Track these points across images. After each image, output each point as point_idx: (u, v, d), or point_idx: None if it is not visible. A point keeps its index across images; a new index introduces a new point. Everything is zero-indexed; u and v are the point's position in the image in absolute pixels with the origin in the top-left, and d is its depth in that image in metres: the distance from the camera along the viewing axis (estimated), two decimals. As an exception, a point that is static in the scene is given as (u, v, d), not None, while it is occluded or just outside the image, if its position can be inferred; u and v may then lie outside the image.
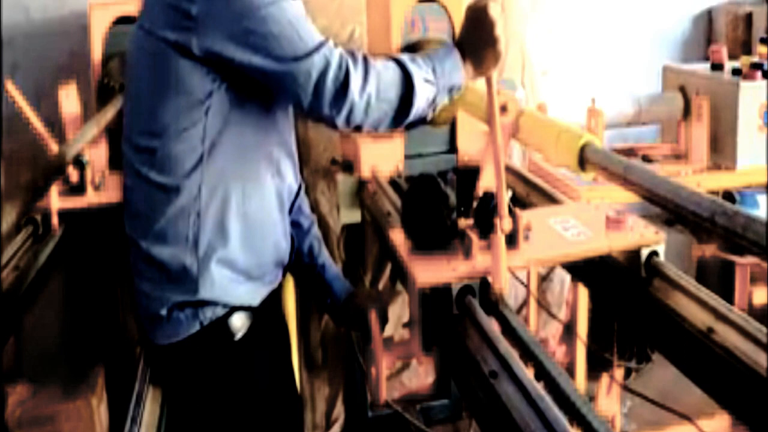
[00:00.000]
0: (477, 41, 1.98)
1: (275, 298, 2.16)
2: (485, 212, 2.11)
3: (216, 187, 1.95)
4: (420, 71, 1.91)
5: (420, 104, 1.92)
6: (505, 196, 2.07)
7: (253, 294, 2.06)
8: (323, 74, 1.82)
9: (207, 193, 1.95)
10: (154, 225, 1.96)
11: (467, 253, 2.11)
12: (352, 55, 1.86)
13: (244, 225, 2.00)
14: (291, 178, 2.16)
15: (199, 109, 1.91)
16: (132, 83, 2.05)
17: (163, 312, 1.98)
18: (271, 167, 2.06)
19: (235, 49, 1.84)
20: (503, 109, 2.73)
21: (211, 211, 1.96)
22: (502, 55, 2.00)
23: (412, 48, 3.23)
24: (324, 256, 2.38)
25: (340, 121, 1.86)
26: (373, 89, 1.85)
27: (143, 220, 1.99)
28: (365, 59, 1.86)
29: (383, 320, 2.28)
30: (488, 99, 2.03)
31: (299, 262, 2.32)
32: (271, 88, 1.93)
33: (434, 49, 2.00)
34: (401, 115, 1.91)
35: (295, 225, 2.29)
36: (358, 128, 1.91)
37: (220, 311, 2.00)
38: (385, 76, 1.87)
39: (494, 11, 1.96)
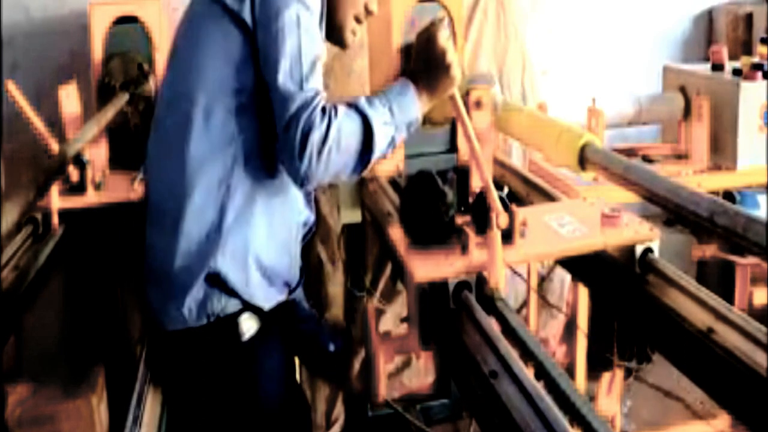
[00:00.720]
0: (429, 69, 2.02)
1: (281, 311, 2.16)
2: (481, 208, 2.13)
3: (246, 169, 1.98)
4: (378, 115, 1.93)
5: (381, 148, 1.94)
6: (495, 192, 2.09)
7: (265, 295, 2.07)
8: (300, 111, 1.85)
9: (238, 170, 1.97)
10: (190, 196, 1.98)
11: (464, 249, 2.13)
12: (323, 110, 1.87)
13: (269, 220, 2.04)
14: (304, 206, 2.21)
15: (242, 79, 1.95)
16: (185, 42, 2.07)
17: (178, 288, 1.99)
18: (286, 189, 2.09)
19: (275, 39, 1.89)
20: (478, 104, 2.76)
21: (240, 190, 1.98)
22: (458, 77, 2.04)
23: (412, 47, 3.23)
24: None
25: (302, 170, 1.85)
26: (333, 145, 1.85)
27: (178, 193, 2.00)
28: (329, 115, 1.86)
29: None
30: (456, 113, 2.09)
31: (297, 315, 2.33)
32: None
33: (389, 87, 2.02)
34: (362, 163, 1.93)
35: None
36: (318, 182, 1.93)
37: (231, 307, 2.00)
38: (346, 127, 1.88)
39: (442, 38, 2.01)
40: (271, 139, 1.94)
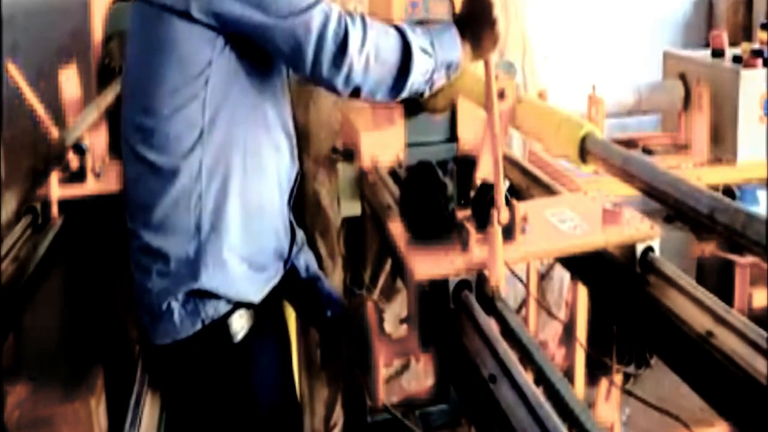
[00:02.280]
0: (475, 21, 1.98)
1: (275, 298, 2.16)
2: (482, 203, 2.11)
3: (217, 163, 1.95)
4: (418, 41, 1.91)
5: (417, 74, 1.91)
6: (503, 187, 2.07)
7: (255, 288, 2.06)
8: (323, 29, 1.82)
9: (207, 171, 1.94)
10: (154, 212, 1.95)
11: (464, 246, 2.12)
12: (350, 14, 1.85)
13: (245, 206, 2.00)
14: (289, 157, 2.14)
15: (198, 81, 1.90)
16: (130, 58, 2.04)
17: (164, 306, 1.97)
18: (270, 141, 2.05)
19: (234, 3, 1.83)
20: (501, 95, 2.73)
21: (212, 191, 1.95)
22: (501, 36, 2.00)
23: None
24: (318, 270, 2.40)
25: (340, 80, 1.85)
26: (371, 49, 1.83)
27: (143, 209, 1.98)
28: (363, 19, 1.85)
29: None
30: (486, 83, 2.01)
31: (296, 279, 2.31)
32: (271, 50, 1.91)
33: (432, 25, 2.00)
34: (399, 82, 1.90)
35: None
36: (356, 91, 1.90)
37: (222, 308, 1.99)
38: (384, 38, 1.86)
39: None
40: (248, 119, 1.95)
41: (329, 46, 1.81)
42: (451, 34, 1.97)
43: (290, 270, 2.23)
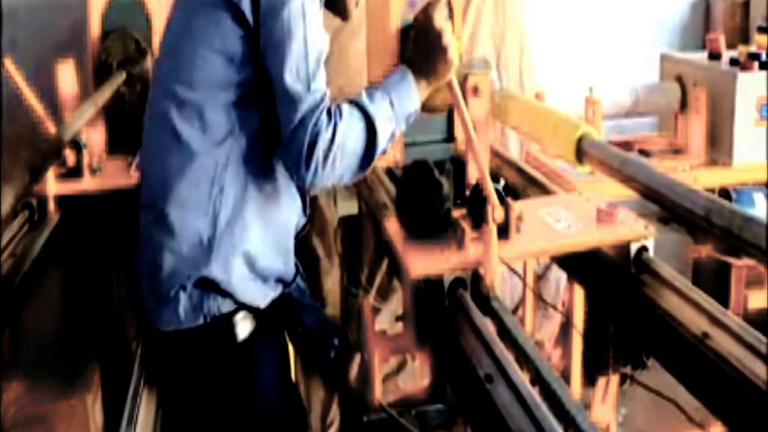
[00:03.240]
0: (426, 53, 1.98)
1: (276, 308, 2.15)
2: (477, 201, 2.12)
3: (240, 168, 1.94)
4: (380, 111, 1.91)
5: (382, 145, 1.92)
6: (491, 186, 2.08)
7: (259, 294, 2.06)
8: (308, 116, 1.82)
9: (232, 170, 1.94)
10: (174, 187, 1.93)
11: (460, 244, 2.12)
12: (328, 113, 1.84)
13: (261, 216, 2.00)
14: (300, 205, 2.16)
15: (239, 75, 1.91)
16: (176, 21, 2.03)
17: (172, 293, 1.95)
18: (285, 179, 2.04)
19: (279, 40, 1.85)
20: (475, 90, 2.74)
21: (233, 191, 1.94)
22: (454, 62, 1.99)
23: (410, 29, 3.22)
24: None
25: (308, 177, 1.84)
26: (338, 151, 1.83)
27: (162, 181, 1.96)
28: (335, 120, 1.84)
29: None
30: (453, 100, 2.06)
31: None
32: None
33: (388, 77, 1.99)
34: (365, 162, 1.91)
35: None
36: (323, 186, 1.91)
37: (225, 306, 1.99)
38: (351, 131, 1.86)
39: (439, 20, 1.96)
40: (269, 137, 1.93)
41: (305, 140, 1.82)
42: (407, 82, 1.97)
43: (291, 300, 2.22)
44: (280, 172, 2.00)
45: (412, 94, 1.97)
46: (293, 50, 1.84)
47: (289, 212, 2.11)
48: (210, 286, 1.96)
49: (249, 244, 1.99)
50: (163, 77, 2.02)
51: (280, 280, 2.12)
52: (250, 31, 1.88)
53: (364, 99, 1.91)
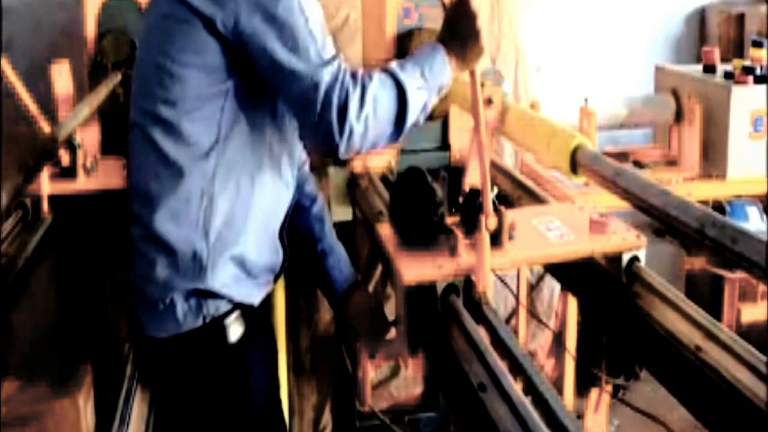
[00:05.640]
0: (459, 35, 1.98)
1: (266, 303, 2.16)
2: (471, 209, 2.12)
3: (228, 176, 1.94)
4: (411, 80, 1.91)
5: (414, 113, 1.92)
6: (490, 193, 2.08)
7: (254, 292, 2.06)
8: (331, 88, 1.81)
9: (220, 180, 1.93)
10: (163, 204, 1.93)
11: (453, 251, 2.13)
12: (353, 76, 1.84)
13: (253, 220, 2.00)
14: (293, 185, 2.16)
15: (219, 84, 1.89)
16: (146, 43, 2.00)
17: (167, 300, 1.95)
18: (277, 171, 2.05)
19: (260, 27, 1.83)
20: (488, 101, 2.74)
21: (222, 199, 1.94)
22: (485, 47, 1.99)
23: (406, 37, 3.23)
24: (326, 241, 2.36)
25: (342, 145, 1.83)
26: (370, 111, 1.83)
27: (150, 199, 1.95)
28: (362, 80, 1.85)
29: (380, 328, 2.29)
30: (472, 92, 2.03)
31: (299, 246, 2.31)
32: (281, 92, 1.91)
33: (420, 50, 2.00)
34: (398, 129, 1.90)
35: (295, 206, 2.27)
36: (357, 153, 1.91)
37: (223, 307, 1.99)
38: (381, 95, 1.86)
39: (474, 3, 1.96)
40: (258, 138, 1.94)
41: (335, 106, 1.81)
42: (440, 56, 1.96)
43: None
44: (269, 167, 2.00)
45: (443, 66, 1.96)
46: (299, 35, 1.84)
47: (279, 203, 2.11)
48: (206, 294, 1.96)
49: (241, 247, 1.99)
50: (139, 95, 2.01)
51: (271, 271, 2.12)
52: (224, 38, 1.86)
53: (395, 67, 1.92)
